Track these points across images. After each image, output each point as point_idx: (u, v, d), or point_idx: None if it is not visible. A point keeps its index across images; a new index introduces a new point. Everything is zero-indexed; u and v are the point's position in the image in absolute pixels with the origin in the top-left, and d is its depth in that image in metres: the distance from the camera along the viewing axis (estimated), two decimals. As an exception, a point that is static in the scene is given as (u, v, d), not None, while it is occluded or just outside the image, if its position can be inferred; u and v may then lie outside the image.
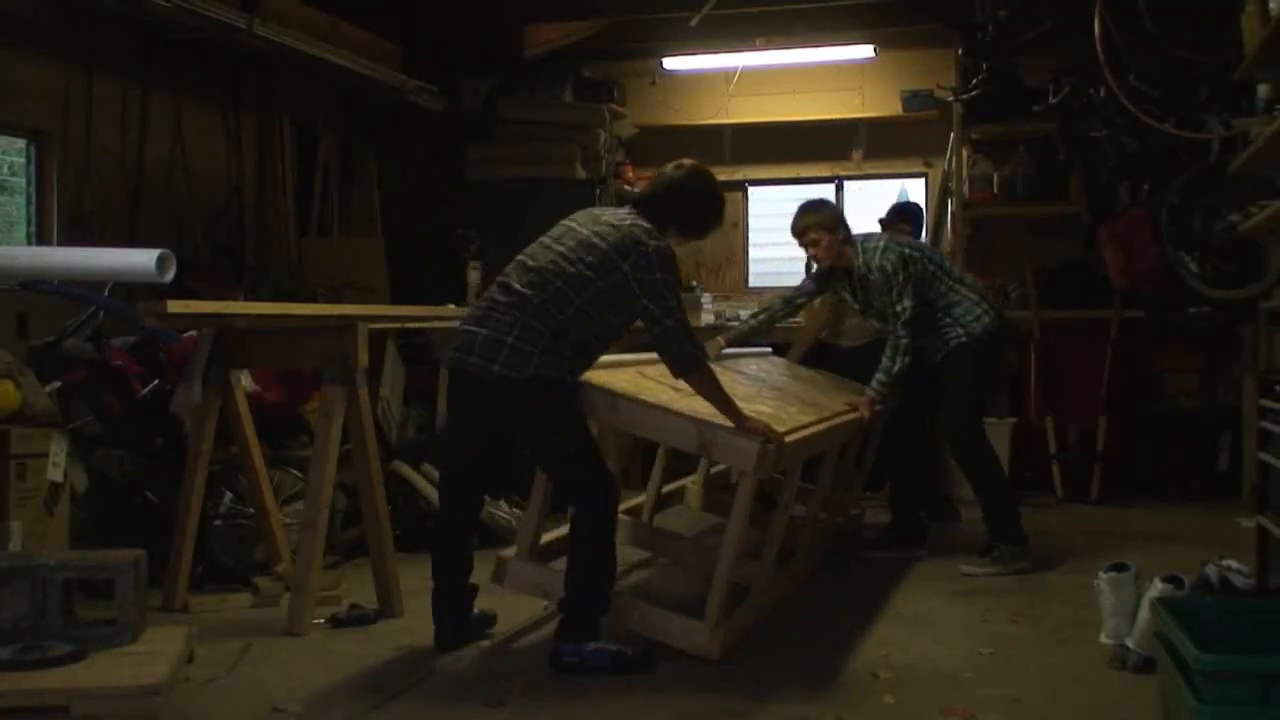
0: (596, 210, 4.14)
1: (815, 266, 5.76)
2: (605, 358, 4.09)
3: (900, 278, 5.34)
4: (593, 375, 3.97)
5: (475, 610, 4.23)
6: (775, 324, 5.85)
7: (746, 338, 5.86)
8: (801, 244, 5.52)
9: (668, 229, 4.01)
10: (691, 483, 5.98)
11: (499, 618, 4.38)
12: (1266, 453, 4.58)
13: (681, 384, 3.94)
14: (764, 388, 5.07)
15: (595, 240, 3.89)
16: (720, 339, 5.60)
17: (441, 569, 4.12)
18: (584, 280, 3.83)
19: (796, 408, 4.81)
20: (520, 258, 3.98)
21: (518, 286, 3.86)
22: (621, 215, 4.00)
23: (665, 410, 3.88)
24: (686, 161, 4.19)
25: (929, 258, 5.58)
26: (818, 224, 5.44)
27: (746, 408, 3.95)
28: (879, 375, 5.36)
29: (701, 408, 3.89)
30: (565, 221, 4.07)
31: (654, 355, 4.01)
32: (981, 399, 5.84)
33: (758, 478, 3.86)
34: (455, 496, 4.18)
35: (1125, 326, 7.43)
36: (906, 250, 5.45)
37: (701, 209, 4.15)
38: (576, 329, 3.83)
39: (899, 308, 5.35)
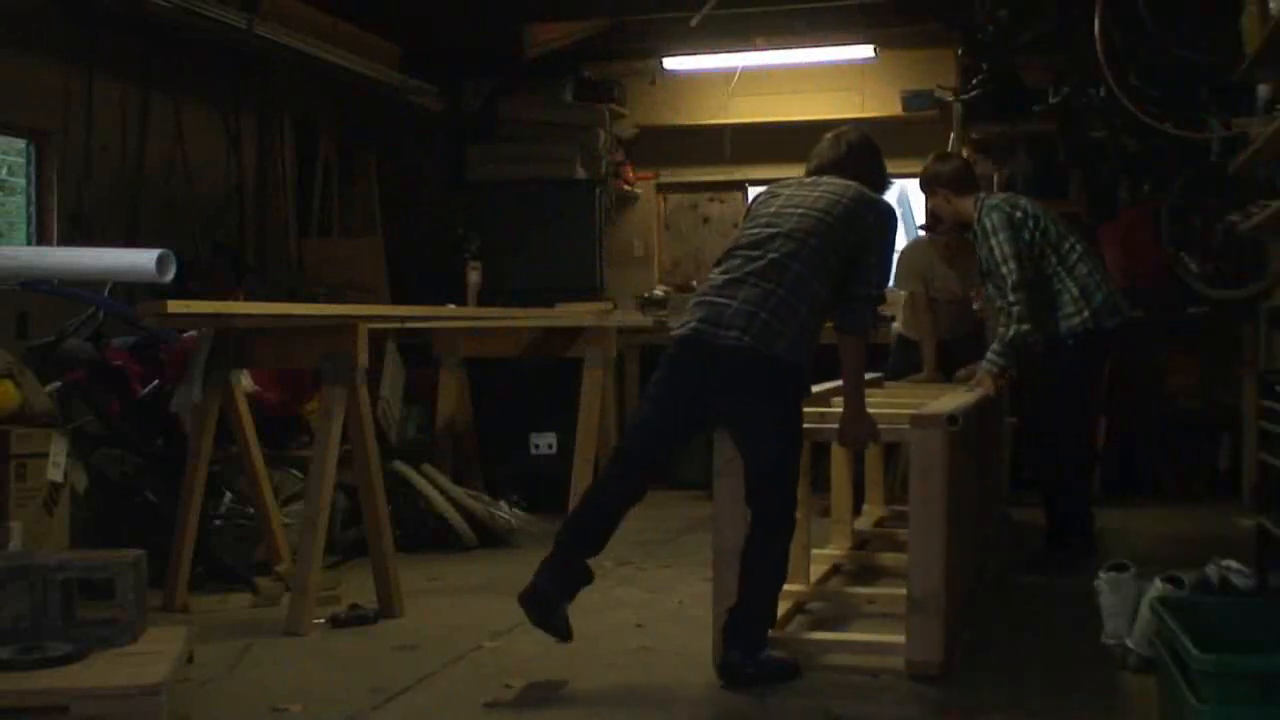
0: (790, 182, 4.02)
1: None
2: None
3: (1000, 238, 5.10)
4: None
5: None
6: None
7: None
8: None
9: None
10: None
11: (493, 620, 4.37)
12: (1266, 453, 4.58)
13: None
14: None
15: (832, 195, 3.80)
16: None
17: (578, 538, 3.79)
18: (833, 233, 3.71)
19: (928, 398, 4.77)
20: (754, 230, 3.81)
21: (773, 254, 3.70)
22: (828, 181, 3.90)
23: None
24: (844, 129, 4.15)
25: (1043, 229, 5.28)
26: (933, 178, 5.39)
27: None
28: (994, 345, 5.16)
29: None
30: (772, 195, 3.95)
31: None
32: (1072, 415, 5.49)
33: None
34: (624, 480, 3.85)
35: (1125, 326, 7.41)
36: (1017, 212, 5.21)
37: (882, 165, 4.09)
38: (820, 304, 3.71)
39: (1004, 269, 5.10)
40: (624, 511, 3.83)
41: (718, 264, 3.86)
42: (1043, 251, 5.24)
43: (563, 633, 3.75)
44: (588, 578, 3.78)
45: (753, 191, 8.99)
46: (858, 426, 3.88)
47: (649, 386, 3.88)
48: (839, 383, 5.08)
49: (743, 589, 3.71)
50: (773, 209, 3.86)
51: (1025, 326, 5.08)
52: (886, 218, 3.86)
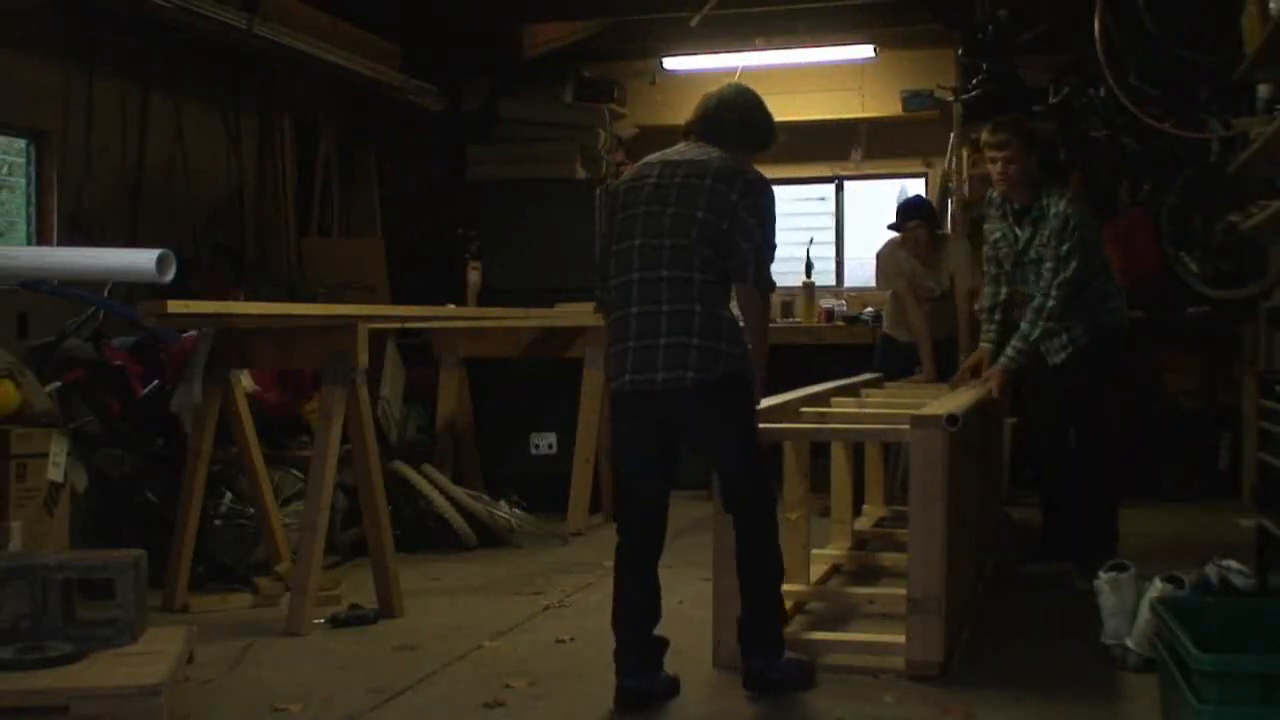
0: (654, 157, 3.71)
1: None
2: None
3: (1079, 235, 4.90)
4: None
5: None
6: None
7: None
8: (992, 155, 5.06)
9: (736, 152, 3.67)
10: None
11: (493, 620, 4.37)
12: (1266, 453, 4.58)
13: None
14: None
15: (695, 182, 3.55)
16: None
17: (629, 617, 3.62)
18: (708, 225, 3.51)
19: (928, 398, 4.76)
20: (628, 242, 3.58)
21: (666, 273, 3.52)
22: (690, 150, 3.65)
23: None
24: (724, 85, 3.85)
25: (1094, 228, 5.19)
26: (1017, 139, 5.01)
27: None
28: (1015, 342, 4.96)
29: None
30: (636, 178, 3.67)
31: None
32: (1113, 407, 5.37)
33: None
34: (645, 530, 3.69)
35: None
36: (1085, 212, 5.04)
37: (758, 120, 3.76)
38: (727, 297, 3.56)
39: (1065, 265, 4.88)
40: (655, 569, 3.69)
41: (607, 278, 3.64)
42: (1094, 248, 5.12)
43: (669, 693, 3.62)
44: (664, 646, 3.65)
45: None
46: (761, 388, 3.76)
47: (616, 441, 3.86)
48: (837, 383, 5.06)
49: (745, 595, 3.68)
50: (641, 210, 3.59)
51: (1052, 325, 4.96)
52: (753, 188, 3.57)
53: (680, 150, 3.69)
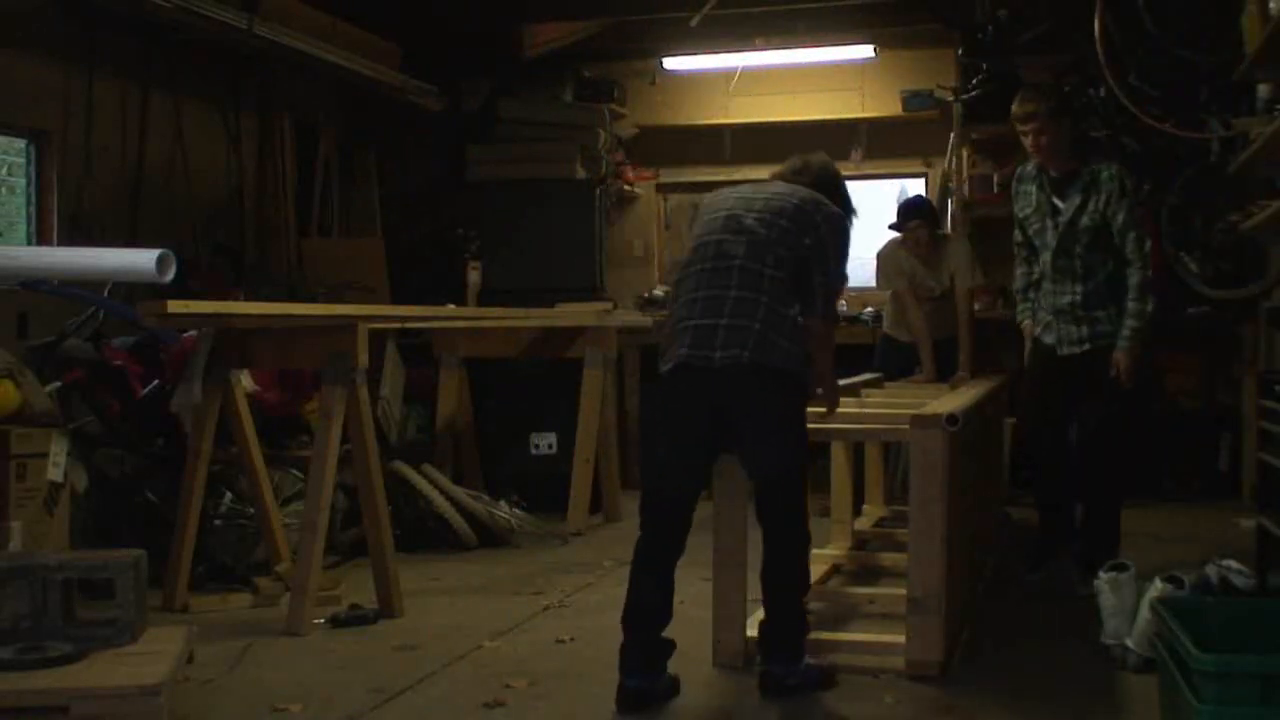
0: (740, 187, 3.89)
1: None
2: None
3: (1130, 202, 4.76)
4: None
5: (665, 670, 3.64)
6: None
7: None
8: (1022, 130, 4.90)
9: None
10: None
11: (493, 620, 4.37)
12: (1266, 453, 4.58)
13: None
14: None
15: (780, 198, 3.71)
16: None
17: (640, 616, 3.59)
18: (788, 235, 3.61)
19: (928, 398, 4.76)
20: (709, 237, 3.68)
21: (738, 263, 3.58)
22: (776, 184, 3.83)
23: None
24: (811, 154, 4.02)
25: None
26: (1045, 109, 4.83)
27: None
28: (1130, 321, 4.79)
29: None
30: (719, 199, 3.81)
31: None
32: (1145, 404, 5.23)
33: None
34: (670, 528, 3.62)
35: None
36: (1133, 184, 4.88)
37: (843, 192, 3.96)
38: (795, 307, 3.62)
39: (1137, 233, 4.76)
40: (677, 558, 3.63)
41: (678, 282, 3.73)
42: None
43: (669, 694, 3.59)
44: (670, 648, 3.62)
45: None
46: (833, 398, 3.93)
47: (653, 430, 3.76)
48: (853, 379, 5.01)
49: (770, 604, 3.67)
50: (722, 216, 3.71)
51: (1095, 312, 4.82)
52: (835, 218, 3.73)
53: (767, 181, 3.89)
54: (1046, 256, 4.98)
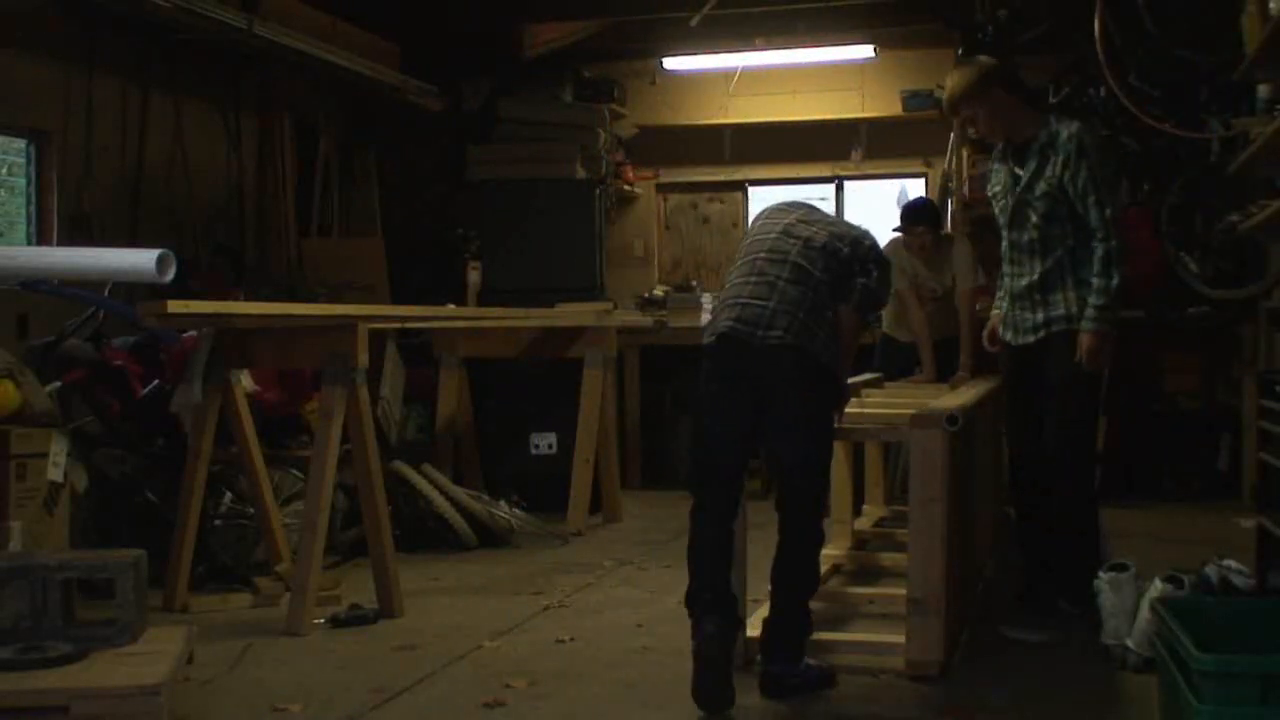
0: (792, 209, 3.97)
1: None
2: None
3: (1094, 159, 4.23)
4: None
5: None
6: None
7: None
8: (957, 123, 4.65)
9: None
10: None
11: (493, 620, 4.37)
12: (1266, 453, 4.58)
13: None
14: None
15: (829, 223, 3.87)
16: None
17: (707, 554, 3.61)
18: (838, 252, 3.70)
19: (928, 398, 4.75)
20: (762, 237, 3.80)
21: (791, 258, 3.69)
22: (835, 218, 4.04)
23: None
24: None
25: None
26: (961, 93, 4.43)
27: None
28: (1094, 299, 4.25)
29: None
30: (778, 210, 3.93)
31: None
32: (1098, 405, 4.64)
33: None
34: (723, 495, 3.67)
35: (1125, 326, 7.42)
36: (1100, 143, 4.40)
37: (887, 271, 3.91)
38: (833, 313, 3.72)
39: (1109, 196, 4.25)
40: (732, 523, 3.66)
41: (735, 271, 3.81)
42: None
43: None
44: (734, 600, 3.65)
45: (753, 191, 9.03)
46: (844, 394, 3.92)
47: (697, 403, 3.77)
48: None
49: (777, 602, 3.68)
50: (780, 226, 3.82)
51: (1124, 272, 4.23)
52: (879, 251, 3.82)
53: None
54: (1005, 235, 4.55)
